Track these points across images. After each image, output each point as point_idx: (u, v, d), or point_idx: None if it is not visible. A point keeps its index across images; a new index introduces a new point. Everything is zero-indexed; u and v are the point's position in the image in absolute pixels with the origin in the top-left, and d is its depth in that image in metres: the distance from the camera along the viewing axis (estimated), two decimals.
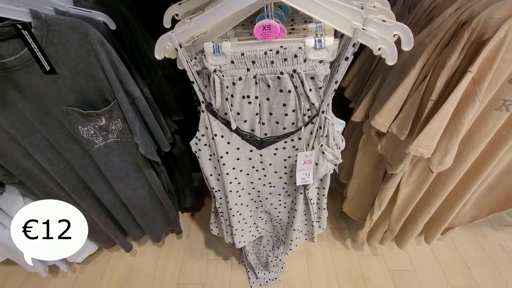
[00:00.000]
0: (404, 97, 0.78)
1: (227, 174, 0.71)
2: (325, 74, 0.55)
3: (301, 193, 0.76)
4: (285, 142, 0.66)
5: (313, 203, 0.80)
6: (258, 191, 0.79)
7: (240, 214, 0.84)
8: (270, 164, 0.71)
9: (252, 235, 0.94)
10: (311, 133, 0.64)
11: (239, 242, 0.91)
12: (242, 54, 0.53)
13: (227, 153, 0.68)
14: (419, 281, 1.24)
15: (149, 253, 1.34)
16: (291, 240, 0.89)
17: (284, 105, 0.59)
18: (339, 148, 0.70)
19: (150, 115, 0.84)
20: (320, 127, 0.62)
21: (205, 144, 0.69)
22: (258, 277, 1.21)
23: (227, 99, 0.58)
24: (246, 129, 0.65)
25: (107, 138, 0.83)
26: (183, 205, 1.31)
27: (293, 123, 0.62)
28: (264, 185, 0.77)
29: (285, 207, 0.84)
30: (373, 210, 1.04)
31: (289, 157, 0.69)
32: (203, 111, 0.62)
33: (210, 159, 0.72)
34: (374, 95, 0.92)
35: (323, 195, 0.80)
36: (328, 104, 0.60)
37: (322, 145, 0.64)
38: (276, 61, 0.53)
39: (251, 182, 0.77)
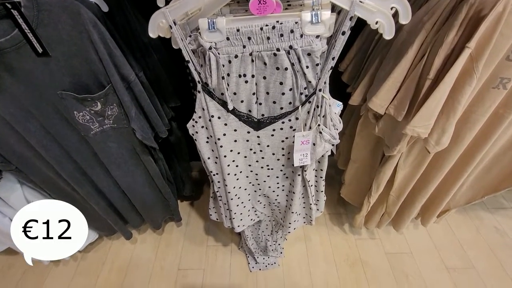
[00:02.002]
0: (401, 77, 0.77)
1: (225, 156, 0.71)
2: (322, 50, 0.54)
3: (299, 175, 0.75)
4: (283, 122, 0.65)
5: (311, 185, 0.79)
6: (256, 174, 0.79)
7: (238, 198, 0.83)
8: (268, 146, 0.71)
9: (251, 219, 0.94)
10: (308, 112, 0.63)
11: (238, 226, 0.91)
12: (238, 30, 0.51)
13: (224, 135, 0.67)
14: (416, 263, 1.25)
15: (150, 240, 1.34)
16: (290, 223, 0.89)
17: (281, 83, 0.58)
18: (337, 129, 0.70)
19: (146, 100, 0.82)
20: (318, 106, 0.61)
21: (202, 127, 0.68)
22: (257, 261, 1.22)
23: (223, 77, 0.56)
24: (243, 109, 0.63)
25: (103, 123, 0.82)
26: (182, 193, 1.30)
27: (290, 103, 0.61)
28: (262, 167, 0.76)
29: (283, 190, 0.84)
30: (371, 193, 1.03)
31: (286, 138, 0.69)
32: (199, 92, 0.61)
33: (207, 142, 0.71)
34: (371, 78, 0.91)
35: (321, 177, 0.80)
36: (325, 82, 0.59)
37: (319, 125, 0.63)
38: (272, 37, 0.51)
39: (249, 165, 0.76)
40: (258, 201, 0.88)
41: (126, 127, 0.84)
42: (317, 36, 0.51)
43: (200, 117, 0.66)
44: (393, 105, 0.80)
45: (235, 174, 0.76)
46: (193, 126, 0.68)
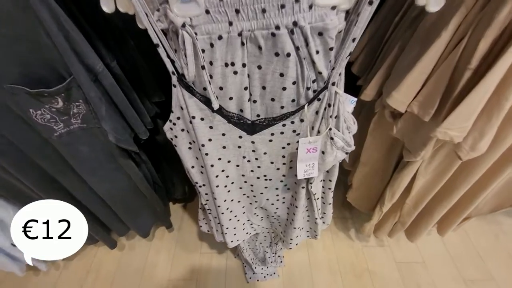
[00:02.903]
0: (430, 67, 0.61)
1: (212, 166, 0.56)
2: (339, 29, 0.38)
3: (303, 188, 0.60)
4: (283, 125, 0.50)
5: (317, 198, 0.64)
6: (251, 185, 0.64)
7: (230, 211, 0.69)
8: (265, 153, 0.56)
9: (247, 233, 0.80)
10: (316, 113, 0.47)
11: (231, 241, 0.77)
12: (221, 0, 0.36)
13: (210, 140, 0.52)
14: (429, 274, 1.11)
15: (139, 247, 1.21)
16: (291, 239, 0.75)
17: (282, 75, 0.42)
18: (351, 132, 0.54)
19: (120, 95, 0.67)
20: (329, 105, 0.46)
21: (182, 130, 0.53)
22: (255, 272, 1.08)
23: (203, 67, 0.41)
24: (232, 109, 0.48)
25: (69, 124, 0.67)
26: (173, 196, 1.16)
27: (293, 100, 0.46)
28: (258, 178, 0.61)
29: (283, 202, 0.69)
30: (383, 201, 0.89)
31: (288, 144, 0.53)
32: (175, 86, 0.46)
33: (190, 148, 0.56)
34: (389, 69, 0.75)
35: (329, 188, 0.65)
36: (340, 74, 0.44)
37: (330, 129, 0.48)
38: (269, 9, 0.36)
39: (242, 175, 0.61)
40: (255, 213, 0.74)
41: (98, 127, 0.69)
42: (333, 8, 0.36)
43: (178, 118, 0.51)
44: (417, 102, 0.65)
45: (225, 186, 0.62)
46: (171, 129, 0.53)
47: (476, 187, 0.78)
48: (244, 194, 0.67)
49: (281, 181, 0.62)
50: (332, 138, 0.49)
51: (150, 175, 0.93)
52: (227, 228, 0.72)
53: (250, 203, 0.70)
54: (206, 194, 0.65)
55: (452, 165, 0.72)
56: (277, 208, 0.71)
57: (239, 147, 0.54)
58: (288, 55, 0.39)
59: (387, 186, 0.93)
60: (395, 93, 0.65)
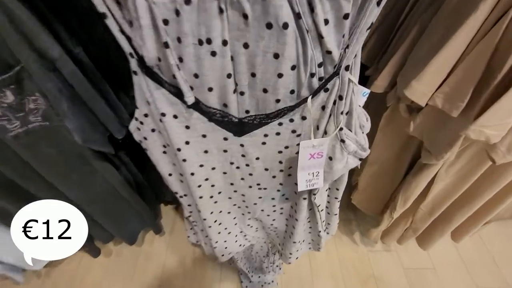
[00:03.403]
0: (459, 51, 0.49)
1: (192, 174, 0.44)
2: None
3: (304, 199, 0.49)
4: (280, 124, 0.38)
5: (321, 210, 0.53)
6: (243, 195, 0.53)
7: (219, 224, 0.58)
8: (258, 159, 0.44)
9: (240, 245, 0.69)
10: (323, 108, 0.36)
11: (222, 255, 0.66)
12: None
13: (187, 143, 0.40)
14: (440, 281, 1.01)
15: (127, 252, 1.10)
16: (290, 253, 0.64)
17: (277, 56, 0.30)
18: (364, 131, 0.43)
19: (86, 86, 0.55)
20: (340, 98, 0.34)
21: (153, 130, 0.41)
22: (251, 280, 0.98)
23: (166, 45, 0.29)
24: (213, 103, 0.36)
25: (27, 121, 0.55)
26: (162, 198, 1.05)
27: (292, 92, 0.34)
28: (250, 187, 0.50)
29: (281, 213, 0.58)
30: (395, 207, 0.78)
31: (286, 147, 0.42)
32: (135, 73, 0.34)
33: (164, 152, 0.44)
34: (404, 55, 0.63)
35: (336, 198, 0.54)
36: (355, 56, 0.32)
37: (341, 129, 0.36)
38: None
39: (231, 184, 0.50)
40: (248, 225, 0.63)
41: (64, 125, 0.58)
42: None
43: (146, 115, 0.39)
44: (442, 94, 0.53)
45: (211, 197, 0.50)
46: (138, 129, 0.41)
47: (502, 192, 0.67)
48: (234, 205, 0.56)
49: (278, 190, 0.51)
50: (343, 141, 0.37)
51: (133, 178, 0.82)
52: (216, 242, 0.61)
53: (243, 214, 0.59)
54: (189, 205, 0.54)
55: (478, 168, 0.61)
56: (273, 220, 0.60)
57: (225, 151, 0.43)
58: (285, 26, 0.27)
59: (397, 189, 0.82)
60: (416, 83, 0.53)
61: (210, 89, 0.34)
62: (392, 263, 1.06)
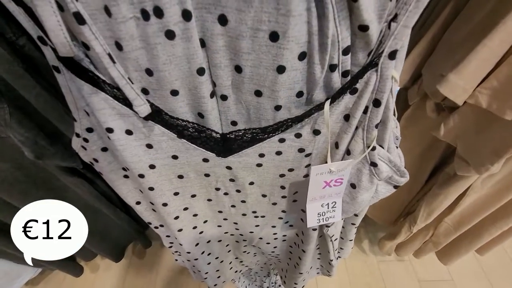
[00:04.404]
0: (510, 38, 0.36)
1: (165, 205, 0.32)
2: None
3: (314, 230, 0.37)
4: (282, 141, 0.26)
5: (335, 239, 0.41)
6: (235, 223, 0.40)
7: (208, 254, 0.46)
8: (252, 184, 0.32)
9: (236, 271, 0.57)
10: (346, 118, 0.23)
11: (215, 285, 0.54)
12: None
13: (152, 167, 0.28)
14: None
15: (115, 267, 0.99)
16: (295, 284, 0.53)
17: (275, 36, 0.18)
18: (398, 145, 0.30)
19: (31, 87, 0.42)
20: (377, 103, 0.22)
21: (104, 149, 0.29)
22: None
23: (79, 17, 0.16)
24: (182, 112, 0.24)
25: None
26: None
27: (300, 94, 0.22)
28: (244, 215, 0.38)
29: (284, 240, 0.46)
30: (415, 220, 0.66)
31: (290, 170, 0.29)
32: (57, 70, 0.21)
33: (126, 176, 0.32)
34: (433, 42, 0.50)
35: (353, 224, 0.42)
36: (403, 39, 0.19)
37: (374, 148, 0.24)
38: None
39: (219, 211, 0.38)
40: (245, 251, 0.51)
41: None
42: None
43: (90, 129, 0.27)
44: (488, 89, 0.40)
45: (194, 228, 0.38)
46: (84, 148, 0.29)
47: None
48: (226, 233, 0.44)
49: (280, 218, 0.39)
50: (374, 164, 0.25)
51: (112, 190, 0.70)
52: (206, 273, 0.49)
53: (237, 241, 0.47)
54: (168, 236, 0.42)
55: None
56: (275, 247, 0.48)
57: (207, 175, 0.30)
58: None
59: (416, 199, 0.70)
60: (454, 75, 0.40)
61: (175, 93, 0.22)
62: (406, 275, 0.95)
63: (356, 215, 0.39)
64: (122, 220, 0.75)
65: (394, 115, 0.27)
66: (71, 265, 0.81)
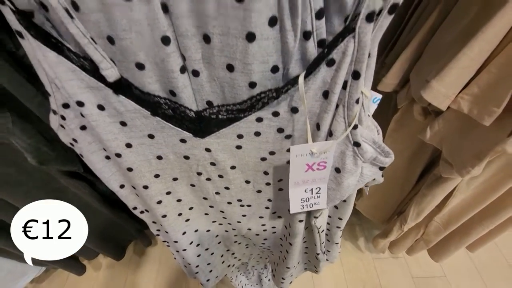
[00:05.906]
0: (494, 42, 0.34)
1: (146, 187, 0.29)
2: None
3: (300, 221, 0.34)
4: (259, 120, 0.23)
5: (322, 231, 0.38)
6: (222, 212, 0.37)
7: (197, 245, 0.42)
8: (233, 168, 0.29)
9: (229, 265, 0.53)
10: (325, 95, 0.21)
11: (208, 280, 0.50)
12: None
13: (128, 146, 0.25)
14: None
15: (118, 265, 0.95)
16: (283, 278, 0.48)
17: None
18: (379, 132, 0.27)
19: (27, 91, 0.40)
20: (356, 75, 0.19)
21: (83, 128, 0.26)
22: None
23: None
24: (153, 89, 0.21)
25: None
26: None
27: (275, 69, 0.19)
28: (229, 203, 0.34)
29: (274, 232, 0.42)
30: (405, 219, 0.62)
31: (272, 153, 0.26)
32: (20, 35, 0.19)
33: (108, 157, 0.29)
34: (419, 47, 0.47)
35: (338, 227, 0.38)
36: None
37: (356, 126, 0.21)
38: None
39: (204, 198, 0.34)
40: (236, 241, 0.47)
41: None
42: None
43: (66, 105, 0.24)
44: (469, 95, 0.37)
45: (179, 214, 0.35)
46: (62, 127, 0.26)
47: None
48: (214, 222, 0.40)
49: (267, 207, 0.35)
50: (357, 144, 0.22)
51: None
52: (197, 267, 0.46)
53: (226, 231, 0.43)
54: (154, 222, 0.38)
55: (507, 181, 0.45)
56: (265, 239, 0.44)
57: (187, 157, 0.27)
58: None
59: (407, 198, 0.66)
60: (436, 82, 0.38)
61: (140, 66, 0.19)
62: (400, 271, 0.89)
63: (340, 218, 0.35)
64: (122, 219, 0.71)
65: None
66: (73, 264, 0.77)
